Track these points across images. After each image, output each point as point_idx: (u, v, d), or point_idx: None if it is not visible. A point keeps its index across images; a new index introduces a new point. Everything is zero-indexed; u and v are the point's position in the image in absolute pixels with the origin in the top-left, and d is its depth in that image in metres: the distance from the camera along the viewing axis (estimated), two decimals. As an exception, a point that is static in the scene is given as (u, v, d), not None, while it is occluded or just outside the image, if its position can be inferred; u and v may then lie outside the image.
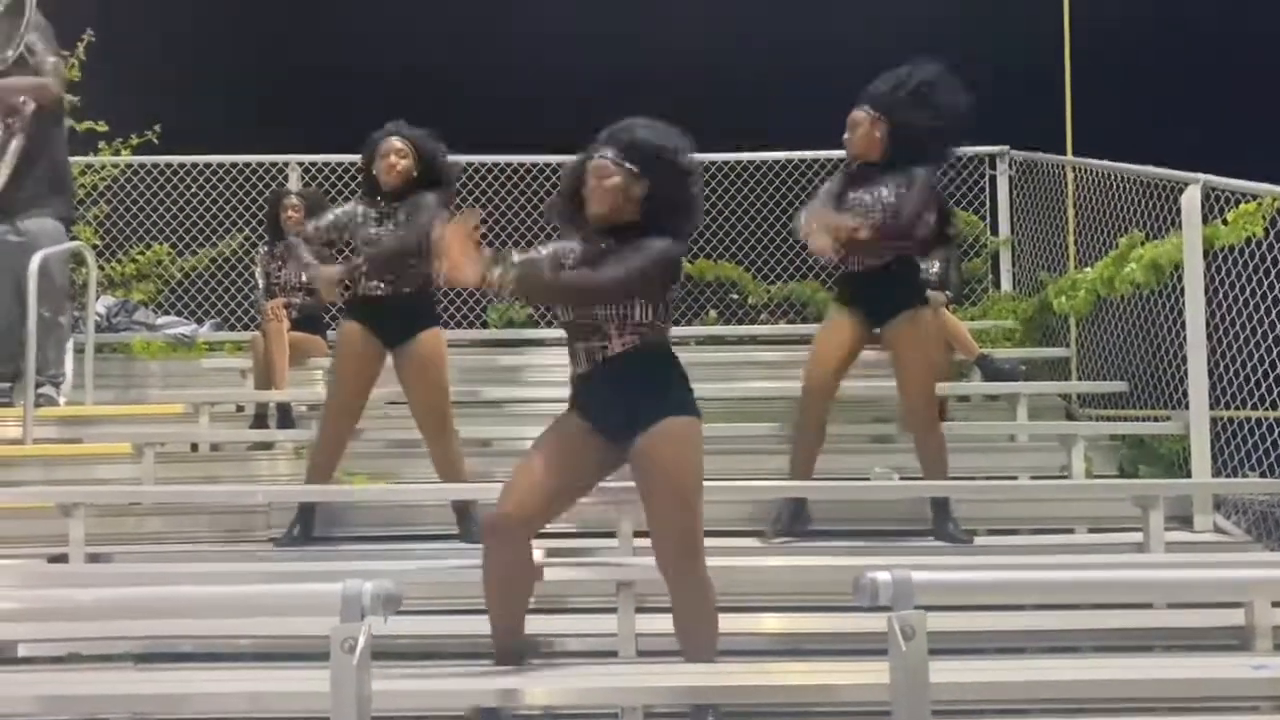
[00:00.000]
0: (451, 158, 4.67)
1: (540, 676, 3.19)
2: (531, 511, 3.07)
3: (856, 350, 4.46)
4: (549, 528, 4.60)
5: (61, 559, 4.17)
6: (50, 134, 5.85)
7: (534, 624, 3.79)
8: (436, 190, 4.48)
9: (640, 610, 3.56)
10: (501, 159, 7.50)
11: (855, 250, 4.33)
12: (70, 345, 6.00)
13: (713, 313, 7.50)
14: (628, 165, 3.11)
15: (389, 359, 4.50)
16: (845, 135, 4.45)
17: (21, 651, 3.70)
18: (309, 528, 4.50)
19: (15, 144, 5.69)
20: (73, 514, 4.12)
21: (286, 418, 5.76)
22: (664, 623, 3.53)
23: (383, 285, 4.44)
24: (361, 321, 4.45)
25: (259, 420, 5.74)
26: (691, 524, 3.09)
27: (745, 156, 7.49)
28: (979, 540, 4.52)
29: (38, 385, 5.55)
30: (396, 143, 4.47)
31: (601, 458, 3.16)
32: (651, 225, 3.12)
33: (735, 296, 7.56)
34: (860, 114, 4.39)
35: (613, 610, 3.60)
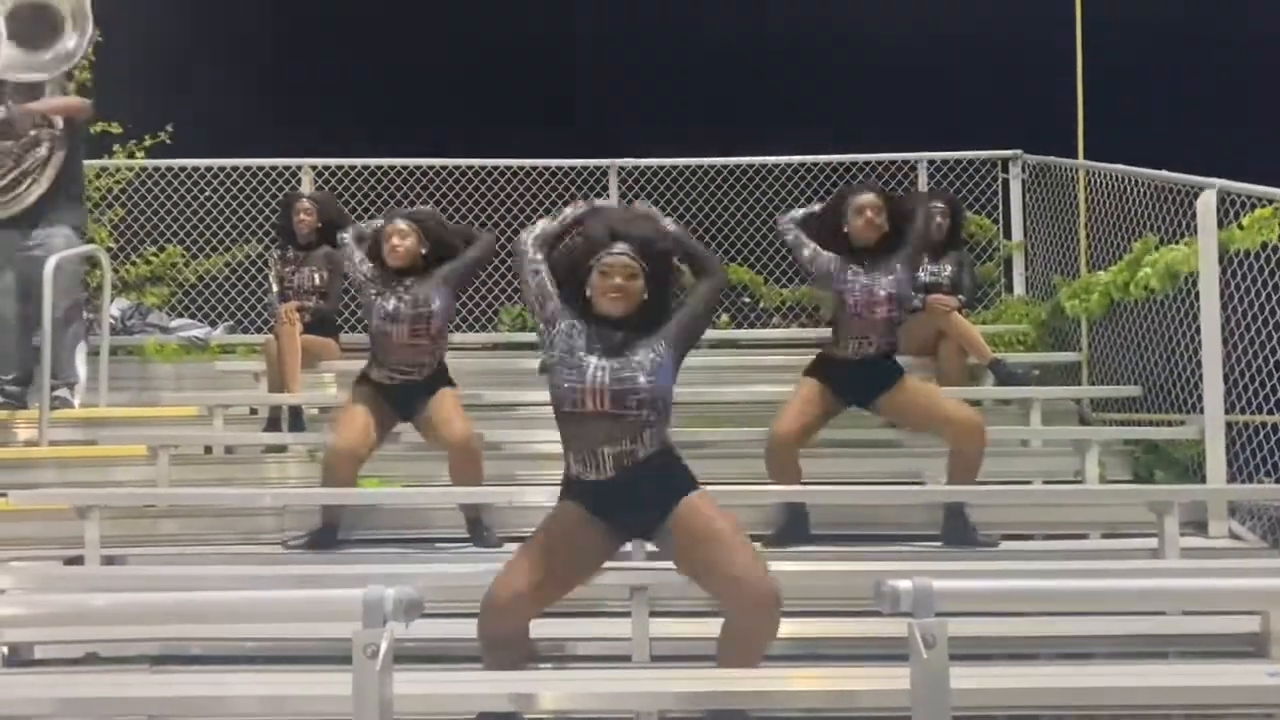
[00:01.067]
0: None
1: (554, 680, 3.19)
2: (533, 610, 3.14)
3: (826, 419, 4.56)
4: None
5: (77, 561, 4.19)
6: (71, 145, 5.90)
7: (548, 628, 3.81)
8: (445, 263, 4.57)
9: (654, 614, 3.56)
10: (501, 163, 7.53)
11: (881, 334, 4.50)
12: (84, 348, 6.03)
13: (725, 316, 7.50)
14: (642, 262, 3.10)
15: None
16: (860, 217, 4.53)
17: (38, 653, 3.72)
18: (328, 538, 4.50)
19: (56, 158, 5.75)
20: (88, 516, 4.15)
21: (298, 421, 5.78)
22: (678, 627, 3.54)
23: (396, 376, 4.50)
24: (377, 392, 4.52)
25: (272, 423, 5.76)
26: (748, 556, 3.07)
27: (759, 160, 7.50)
28: (995, 547, 4.52)
29: (52, 388, 5.58)
30: (401, 224, 4.53)
31: (612, 547, 3.21)
32: (654, 308, 3.14)
33: (748, 300, 7.56)
34: (875, 199, 4.54)
35: (627, 615, 3.60)
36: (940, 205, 6.09)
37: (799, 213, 4.82)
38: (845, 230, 4.54)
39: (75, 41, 5.79)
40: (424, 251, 4.54)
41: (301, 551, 4.43)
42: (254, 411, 6.01)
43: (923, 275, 5.88)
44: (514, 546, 4.34)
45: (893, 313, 4.50)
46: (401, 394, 4.53)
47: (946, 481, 4.54)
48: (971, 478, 4.45)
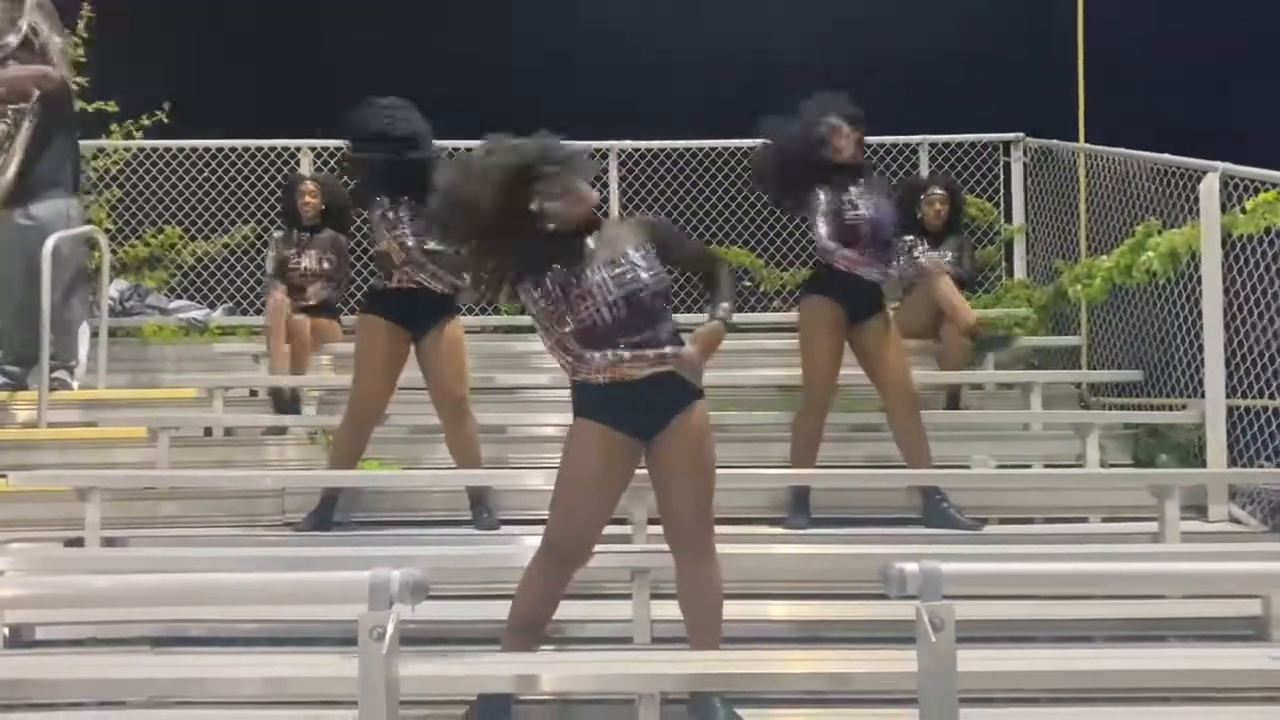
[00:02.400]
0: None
1: (556, 662, 3.20)
2: (594, 543, 3.21)
3: (843, 345, 4.56)
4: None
5: (78, 543, 4.19)
6: (58, 117, 5.85)
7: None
8: None
9: (655, 596, 3.56)
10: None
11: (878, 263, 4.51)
12: (87, 330, 6.01)
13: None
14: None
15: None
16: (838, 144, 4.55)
17: (39, 634, 3.72)
18: (328, 516, 4.50)
19: (24, 133, 5.70)
20: (89, 498, 4.14)
21: (293, 403, 5.76)
22: (679, 609, 3.54)
23: (418, 282, 4.45)
24: (388, 313, 4.47)
25: (279, 404, 5.75)
26: (712, 498, 3.18)
27: (759, 143, 7.44)
28: (994, 529, 4.52)
29: (52, 370, 5.56)
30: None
31: (633, 462, 3.20)
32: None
33: (748, 283, 7.53)
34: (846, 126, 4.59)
35: (628, 597, 3.61)
36: (939, 191, 6.12)
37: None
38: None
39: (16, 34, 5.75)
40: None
41: (306, 533, 4.42)
42: (254, 393, 6.00)
43: (922, 260, 5.89)
44: (511, 529, 4.40)
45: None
46: (417, 306, 4.46)
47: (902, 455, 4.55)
48: (920, 447, 4.46)
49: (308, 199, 6.05)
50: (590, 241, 3.15)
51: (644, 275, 3.11)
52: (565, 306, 3.07)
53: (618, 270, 3.10)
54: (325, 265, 6.06)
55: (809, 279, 4.83)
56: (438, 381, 4.50)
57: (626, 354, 3.04)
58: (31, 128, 5.73)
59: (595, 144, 7.46)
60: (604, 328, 3.07)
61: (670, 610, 3.47)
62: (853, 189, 4.54)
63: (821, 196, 4.52)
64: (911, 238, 5.96)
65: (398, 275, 4.46)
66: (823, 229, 4.51)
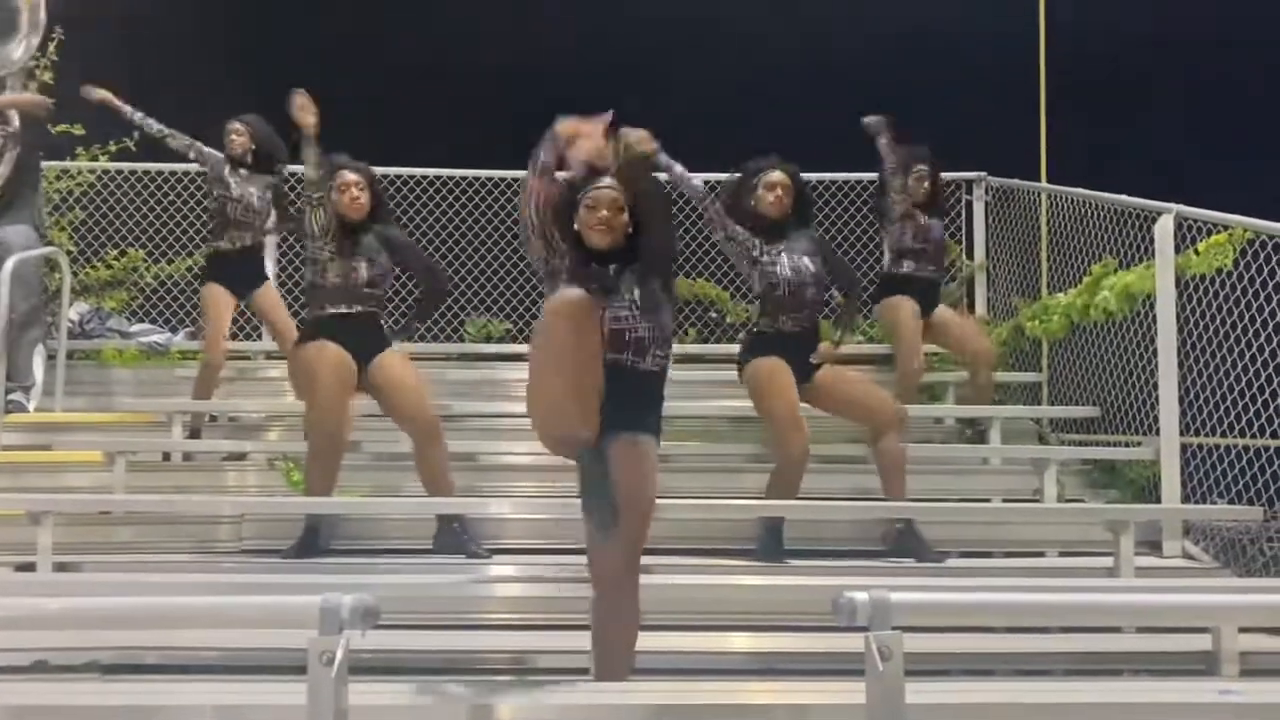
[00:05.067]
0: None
1: (511, 693, 3.17)
2: None
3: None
4: (522, 544, 4.66)
5: (29, 568, 4.12)
6: (28, 142, 5.83)
7: (505, 641, 3.80)
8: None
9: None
10: (482, 173, 7.51)
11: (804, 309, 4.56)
12: (43, 352, 5.94)
13: (691, 331, 7.52)
14: (625, 195, 3.14)
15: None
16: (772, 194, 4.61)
17: (-14, 661, 3.64)
18: (313, 542, 4.45)
19: (9, 155, 5.69)
20: (41, 522, 4.08)
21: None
22: (639, 640, 3.53)
23: (354, 306, 4.47)
24: (331, 340, 4.46)
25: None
26: (644, 540, 3.15)
27: (726, 177, 7.50)
28: (953, 563, 4.56)
29: (7, 391, 5.49)
30: (350, 175, 4.51)
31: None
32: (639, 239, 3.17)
33: (714, 315, 7.58)
34: (784, 176, 4.63)
35: (587, 628, 3.59)
36: (923, 168, 5.93)
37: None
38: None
39: (22, 48, 5.76)
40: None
41: (282, 560, 4.37)
42: (214, 419, 5.95)
43: (908, 241, 5.87)
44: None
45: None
46: (353, 329, 4.46)
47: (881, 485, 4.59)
48: (896, 480, 4.52)
49: (234, 138, 5.71)
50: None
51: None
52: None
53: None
54: (258, 205, 5.73)
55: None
56: (398, 403, 4.48)
57: None
58: (15, 153, 5.72)
59: (567, 175, 7.51)
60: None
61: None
62: (780, 244, 4.59)
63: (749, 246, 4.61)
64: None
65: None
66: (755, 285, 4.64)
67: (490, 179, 7.50)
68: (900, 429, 4.59)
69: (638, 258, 3.17)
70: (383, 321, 4.70)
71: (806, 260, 4.59)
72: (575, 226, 3.16)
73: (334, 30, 8.69)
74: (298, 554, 4.39)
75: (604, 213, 3.13)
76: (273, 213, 5.79)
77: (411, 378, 4.57)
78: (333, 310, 4.48)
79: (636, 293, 3.14)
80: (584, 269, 3.12)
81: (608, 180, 3.14)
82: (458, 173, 7.49)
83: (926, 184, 5.87)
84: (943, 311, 5.96)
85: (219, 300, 5.69)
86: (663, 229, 3.27)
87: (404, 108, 7.55)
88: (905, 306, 5.76)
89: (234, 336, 6.51)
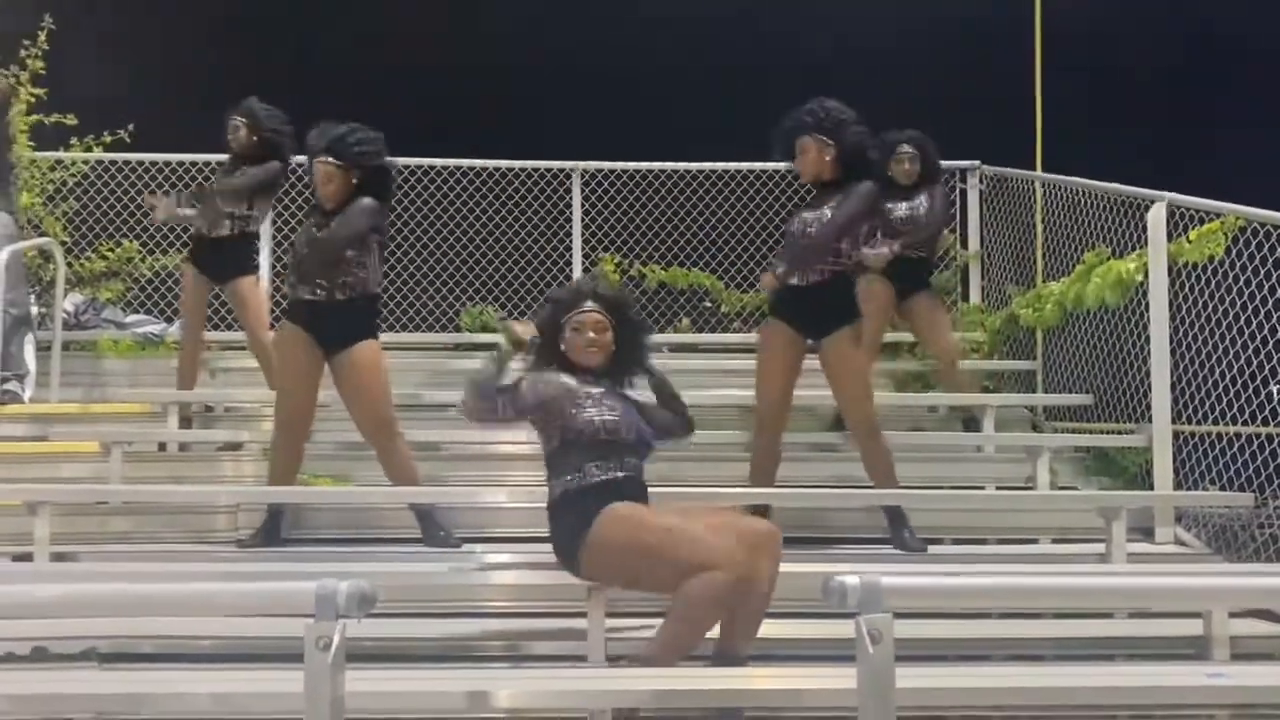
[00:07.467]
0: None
1: (509, 679, 3.19)
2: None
3: (799, 364, 4.58)
4: (517, 533, 4.67)
5: (26, 558, 4.13)
6: (8, 130, 5.82)
7: (504, 627, 3.82)
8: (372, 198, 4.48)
9: (610, 614, 3.57)
10: (465, 163, 7.52)
11: (797, 265, 4.47)
12: (32, 340, 5.94)
13: (685, 320, 7.53)
14: (609, 316, 3.45)
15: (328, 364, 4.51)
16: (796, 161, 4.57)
17: (-18, 650, 3.65)
18: (275, 532, 4.48)
19: None
20: (38, 512, 4.09)
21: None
22: (632, 630, 3.56)
23: (316, 291, 4.42)
24: (299, 325, 4.46)
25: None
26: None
27: (722, 166, 7.54)
28: (946, 549, 4.58)
29: (2, 380, 5.49)
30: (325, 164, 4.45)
31: None
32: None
33: (709, 304, 7.59)
34: (808, 140, 4.52)
35: (583, 614, 3.61)
36: (909, 150, 5.94)
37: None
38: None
39: None
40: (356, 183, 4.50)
41: (256, 549, 4.40)
42: (209, 409, 5.95)
43: (900, 211, 5.86)
44: (473, 546, 4.40)
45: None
46: (322, 317, 4.42)
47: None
48: (883, 477, 4.50)
49: (235, 133, 5.56)
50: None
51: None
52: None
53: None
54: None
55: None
56: (356, 408, 4.49)
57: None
58: None
59: (558, 164, 7.53)
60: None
61: (625, 628, 3.49)
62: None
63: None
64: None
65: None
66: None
67: (485, 169, 7.51)
68: (870, 439, 4.52)
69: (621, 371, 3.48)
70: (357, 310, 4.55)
71: (826, 211, 4.46)
72: (561, 348, 3.44)
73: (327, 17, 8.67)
74: (255, 544, 4.42)
75: (590, 334, 3.41)
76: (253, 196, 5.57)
77: (367, 383, 4.46)
78: (305, 295, 4.46)
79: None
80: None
81: (589, 304, 3.44)
82: (451, 162, 7.49)
83: (906, 165, 5.93)
84: (920, 299, 5.92)
85: (189, 285, 5.66)
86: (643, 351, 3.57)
87: (394, 98, 7.54)
88: (876, 292, 5.60)
89: (229, 326, 6.52)
